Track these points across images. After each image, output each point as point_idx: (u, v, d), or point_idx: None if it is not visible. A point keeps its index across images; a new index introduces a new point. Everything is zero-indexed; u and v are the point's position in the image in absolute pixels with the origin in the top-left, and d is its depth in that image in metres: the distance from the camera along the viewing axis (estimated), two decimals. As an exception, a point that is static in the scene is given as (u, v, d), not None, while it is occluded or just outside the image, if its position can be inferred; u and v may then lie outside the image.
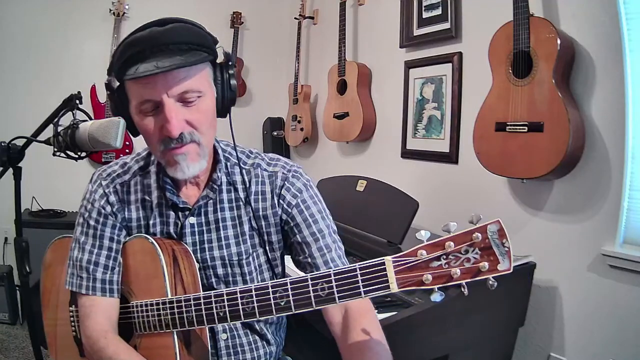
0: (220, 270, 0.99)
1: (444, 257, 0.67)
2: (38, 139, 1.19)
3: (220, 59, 0.93)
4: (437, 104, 2.33)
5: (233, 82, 0.93)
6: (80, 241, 0.97)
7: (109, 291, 0.94)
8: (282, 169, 1.03)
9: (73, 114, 1.17)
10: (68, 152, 1.16)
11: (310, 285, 0.74)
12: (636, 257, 1.52)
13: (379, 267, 0.71)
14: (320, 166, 3.28)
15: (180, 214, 0.98)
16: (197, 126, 0.87)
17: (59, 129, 1.16)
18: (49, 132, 1.18)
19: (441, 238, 0.68)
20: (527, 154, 1.67)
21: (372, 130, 2.79)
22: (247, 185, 1.00)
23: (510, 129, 1.71)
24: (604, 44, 1.62)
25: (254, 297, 0.78)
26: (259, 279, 1.01)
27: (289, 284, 0.76)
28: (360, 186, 2.00)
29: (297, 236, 1.00)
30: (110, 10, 3.06)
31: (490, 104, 1.81)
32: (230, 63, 0.94)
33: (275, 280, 0.78)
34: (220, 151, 1.00)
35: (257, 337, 1.03)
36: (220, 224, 0.98)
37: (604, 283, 1.61)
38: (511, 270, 0.65)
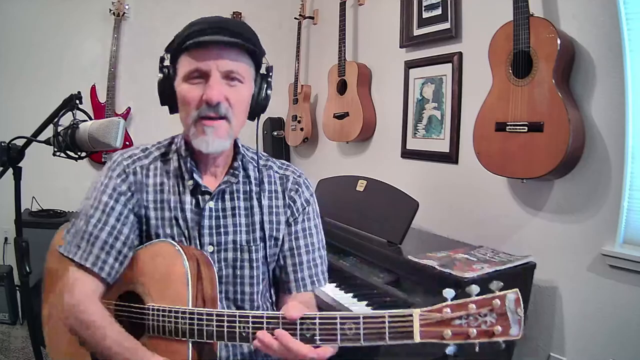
0: (230, 254, 1.02)
1: (465, 317, 0.73)
2: (38, 139, 1.19)
3: (263, 70, 1.04)
4: (437, 104, 2.33)
5: (269, 92, 1.04)
6: (87, 214, 0.97)
7: (99, 268, 0.93)
8: (292, 173, 1.12)
9: (73, 114, 1.17)
10: (68, 152, 1.17)
11: (338, 324, 0.78)
12: (636, 257, 1.52)
13: (406, 319, 0.75)
14: (320, 166, 3.28)
15: (200, 198, 1.01)
16: (233, 106, 0.95)
17: (59, 129, 1.16)
18: (49, 132, 1.19)
19: (466, 300, 0.74)
20: (527, 154, 1.67)
21: (372, 130, 2.79)
22: (260, 183, 1.07)
23: (510, 129, 1.71)
24: (604, 44, 1.62)
25: (280, 325, 0.81)
26: (263, 270, 1.05)
27: (317, 319, 0.79)
28: (360, 186, 2.00)
29: (293, 242, 1.08)
30: (110, 10, 3.06)
31: (490, 104, 1.81)
32: (270, 75, 1.04)
33: (306, 313, 0.80)
34: (240, 146, 1.07)
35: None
36: (236, 212, 1.04)
37: (604, 283, 1.61)
38: (520, 336, 0.72)
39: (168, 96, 0.98)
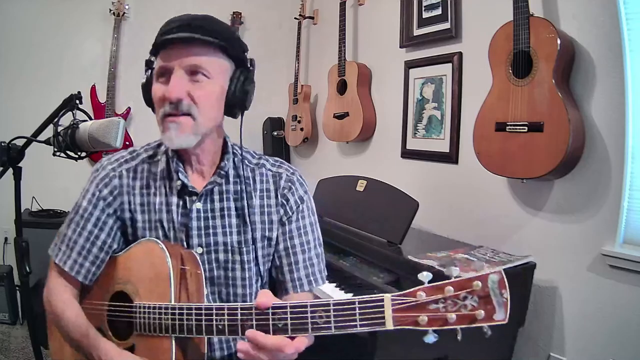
0: (221, 256, 1.01)
1: (442, 300, 0.69)
2: (38, 139, 1.19)
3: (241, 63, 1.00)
4: (437, 104, 2.33)
5: (248, 86, 0.99)
6: (70, 217, 1.01)
7: (76, 272, 0.98)
8: (286, 171, 1.09)
9: (73, 114, 1.17)
10: (68, 152, 1.16)
11: (309, 312, 0.76)
12: (636, 257, 1.52)
13: (377, 304, 0.72)
14: (320, 166, 3.28)
15: (187, 199, 1.01)
16: (197, 102, 0.93)
17: (59, 129, 1.16)
18: (49, 132, 1.18)
19: (442, 282, 0.69)
20: (527, 154, 1.67)
21: (372, 130, 2.79)
22: (252, 182, 1.05)
23: (510, 129, 1.71)
24: (604, 44, 1.62)
25: (254, 315, 0.80)
26: (255, 270, 1.04)
27: (289, 307, 0.78)
28: (360, 186, 2.00)
29: (288, 242, 1.06)
30: (110, 10, 3.06)
31: (490, 104, 1.81)
32: (251, 68, 1.01)
33: (276, 303, 0.80)
34: (230, 145, 1.06)
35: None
36: (226, 212, 1.02)
37: (604, 283, 1.61)
38: (506, 321, 0.67)
39: (148, 98, 0.99)
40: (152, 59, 0.99)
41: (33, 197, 2.80)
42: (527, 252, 1.67)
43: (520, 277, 1.63)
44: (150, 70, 0.99)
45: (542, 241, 1.81)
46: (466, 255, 1.63)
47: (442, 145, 2.30)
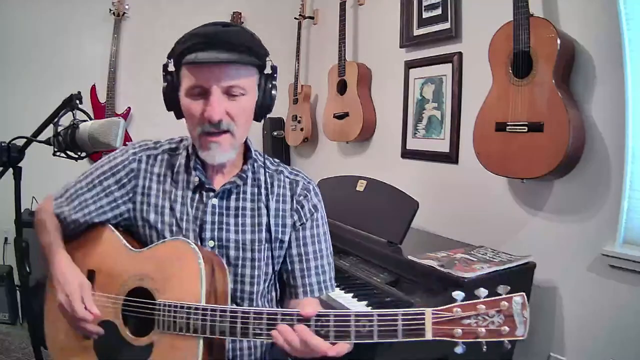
0: (232, 252, 1.03)
1: (475, 317, 0.78)
2: (38, 139, 1.18)
3: (267, 70, 1.04)
4: (437, 104, 2.33)
5: (274, 92, 1.04)
6: (82, 176, 1.09)
7: (65, 222, 1.07)
8: (303, 179, 1.13)
9: (73, 114, 1.17)
10: (68, 152, 1.16)
11: (352, 321, 0.80)
12: (636, 257, 1.52)
13: (418, 316, 0.79)
14: (320, 166, 3.28)
15: (204, 194, 1.04)
16: (235, 119, 0.97)
17: (59, 129, 1.16)
18: (49, 132, 1.18)
19: (475, 301, 0.78)
20: (527, 154, 1.67)
21: (372, 130, 2.79)
22: (270, 187, 1.09)
23: (510, 129, 1.71)
24: (604, 44, 1.62)
25: (295, 322, 0.82)
26: (265, 270, 1.06)
27: (332, 316, 0.81)
28: (360, 186, 2.00)
29: (302, 248, 1.10)
30: (110, 10, 3.06)
31: (490, 104, 1.81)
32: (275, 75, 1.04)
33: (321, 311, 0.82)
34: (252, 150, 1.10)
35: None
36: (240, 212, 1.05)
37: (604, 283, 1.61)
38: (525, 337, 0.77)
39: (173, 104, 1.01)
40: (171, 66, 1.00)
41: (33, 197, 2.78)
42: (527, 252, 1.67)
43: (520, 277, 1.63)
44: (170, 76, 1.00)
45: (542, 241, 1.81)
46: (466, 255, 1.63)
47: (442, 145, 2.30)
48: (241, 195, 1.06)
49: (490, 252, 1.69)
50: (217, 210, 1.04)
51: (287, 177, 1.12)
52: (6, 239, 2.84)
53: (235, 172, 1.07)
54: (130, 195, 1.05)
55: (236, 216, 1.05)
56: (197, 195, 1.04)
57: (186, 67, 0.95)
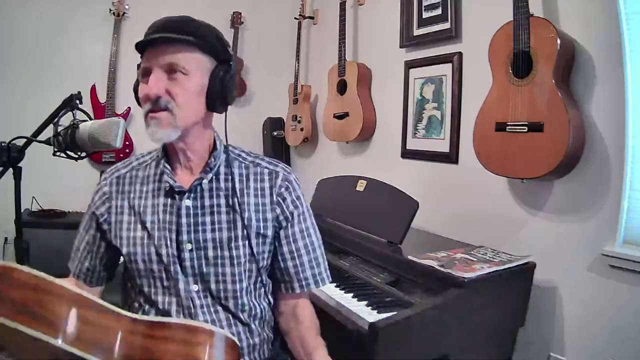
0: (210, 252, 1.02)
1: None
2: (38, 139, 1.18)
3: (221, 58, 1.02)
4: (437, 104, 2.33)
5: (226, 81, 1.01)
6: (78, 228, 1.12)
7: (76, 275, 1.09)
8: (282, 170, 1.10)
9: (73, 114, 1.17)
10: (68, 152, 1.16)
11: None
12: (636, 257, 1.52)
13: None
14: (320, 166, 3.28)
15: (176, 197, 1.03)
16: (175, 98, 0.96)
17: (59, 129, 1.16)
18: (49, 132, 1.18)
19: None
20: (527, 154, 1.67)
21: (372, 130, 2.79)
22: (246, 180, 1.07)
23: (510, 129, 1.71)
24: (604, 44, 1.62)
25: None
26: (247, 267, 1.05)
27: None
28: (360, 186, 2.00)
29: (292, 245, 1.09)
30: (110, 10, 3.06)
31: (490, 104, 1.81)
32: (230, 63, 1.02)
33: None
34: (218, 142, 1.08)
35: (240, 329, 1.05)
36: (215, 209, 1.04)
37: (604, 283, 1.61)
38: None
39: (136, 93, 1.03)
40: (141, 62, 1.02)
41: (33, 197, 2.80)
42: (527, 252, 1.67)
43: (520, 277, 1.63)
44: (138, 69, 1.03)
45: (542, 241, 1.81)
46: (466, 255, 1.63)
47: (442, 145, 2.30)
48: (215, 192, 1.04)
49: (490, 252, 1.69)
50: (191, 211, 1.02)
51: (266, 167, 1.10)
52: (6, 239, 2.84)
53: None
54: (105, 216, 1.06)
55: (212, 214, 1.03)
56: (169, 200, 1.03)
57: (142, 55, 0.99)
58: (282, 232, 1.08)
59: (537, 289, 1.73)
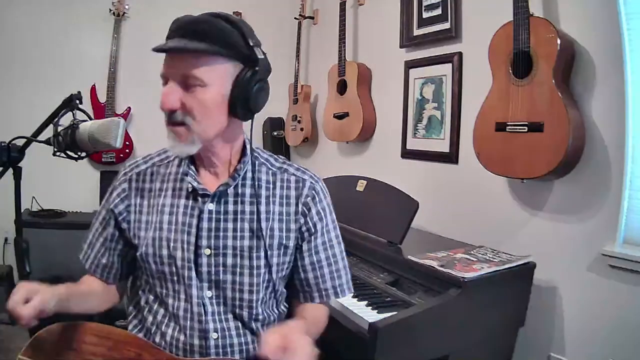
0: (229, 260, 0.99)
1: None
2: (38, 139, 1.18)
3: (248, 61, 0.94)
4: (437, 104, 2.33)
5: (250, 87, 0.92)
6: (92, 223, 1.09)
7: (93, 270, 1.07)
8: (310, 178, 1.08)
9: (73, 114, 1.17)
10: (68, 152, 1.16)
11: None
12: (636, 257, 1.52)
13: None
14: (320, 166, 3.28)
15: (199, 200, 0.99)
16: (190, 111, 0.90)
17: (59, 129, 1.16)
18: (49, 132, 1.18)
19: None
20: (527, 154, 1.67)
21: (372, 130, 2.79)
22: (272, 187, 1.04)
23: (510, 129, 1.71)
24: (604, 44, 1.62)
25: None
26: (266, 278, 1.02)
27: None
28: (360, 186, 2.00)
29: (314, 257, 1.06)
30: (110, 10, 3.06)
31: (490, 104, 1.81)
32: (256, 68, 0.93)
33: None
34: (248, 148, 1.03)
35: (249, 339, 1.02)
36: (239, 216, 1.00)
37: (604, 283, 1.61)
38: None
39: None
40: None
41: (33, 197, 2.79)
42: (527, 252, 1.67)
43: (520, 277, 1.63)
44: None
45: (542, 241, 1.81)
46: (466, 255, 1.63)
47: (442, 145, 2.30)
48: (239, 198, 1.00)
49: (490, 252, 1.69)
50: (213, 215, 0.98)
51: (293, 174, 1.06)
52: (6, 239, 2.84)
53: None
54: (124, 214, 1.03)
55: (234, 220, 0.99)
56: (191, 202, 0.99)
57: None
58: (304, 245, 1.05)
59: (537, 289, 1.73)
